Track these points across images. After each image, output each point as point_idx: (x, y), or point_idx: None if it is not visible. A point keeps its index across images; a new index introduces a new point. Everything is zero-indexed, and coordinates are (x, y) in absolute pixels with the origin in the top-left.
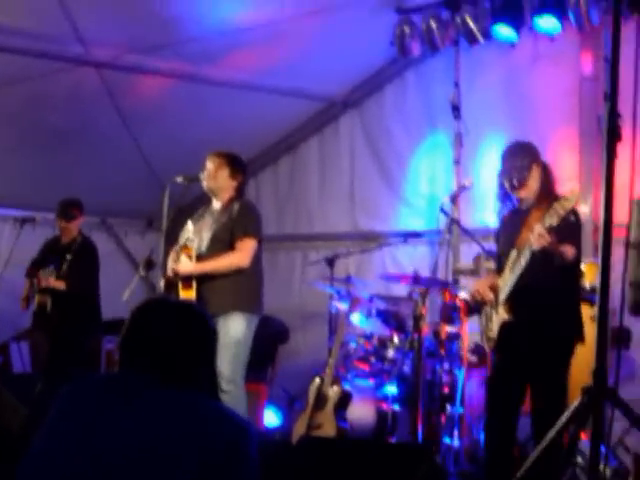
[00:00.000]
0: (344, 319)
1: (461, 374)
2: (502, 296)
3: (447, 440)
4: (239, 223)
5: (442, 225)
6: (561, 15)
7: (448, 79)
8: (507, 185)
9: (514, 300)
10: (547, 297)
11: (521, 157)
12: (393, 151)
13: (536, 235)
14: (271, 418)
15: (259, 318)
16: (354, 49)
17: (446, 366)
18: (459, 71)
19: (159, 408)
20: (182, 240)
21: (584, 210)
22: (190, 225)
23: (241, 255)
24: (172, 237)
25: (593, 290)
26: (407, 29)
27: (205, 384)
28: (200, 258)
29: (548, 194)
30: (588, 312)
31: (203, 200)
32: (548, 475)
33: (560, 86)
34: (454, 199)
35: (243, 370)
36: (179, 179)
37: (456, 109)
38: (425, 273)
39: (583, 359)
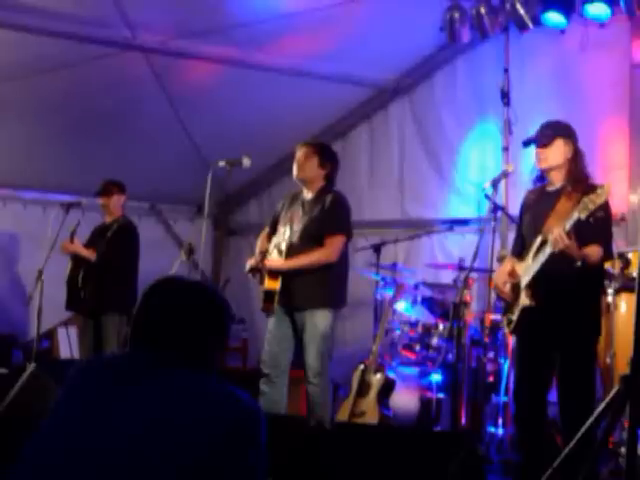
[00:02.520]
0: (389, 306)
1: (506, 363)
2: (524, 282)
3: (491, 429)
4: (330, 218)
5: (487, 212)
6: (611, 1)
7: (498, 66)
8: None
9: (536, 287)
10: (568, 286)
11: (547, 129)
12: (443, 138)
13: (554, 238)
14: None
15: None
16: (404, 35)
17: (491, 355)
18: (509, 58)
19: (167, 388)
20: (283, 236)
21: (633, 200)
22: (295, 224)
23: (329, 251)
24: (222, 222)
25: None
26: (457, 15)
27: (214, 365)
28: (290, 249)
29: (578, 180)
30: (634, 301)
31: (253, 186)
32: (585, 465)
33: (610, 73)
34: (495, 185)
35: (328, 362)
36: (221, 163)
37: (505, 96)
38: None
39: (628, 348)
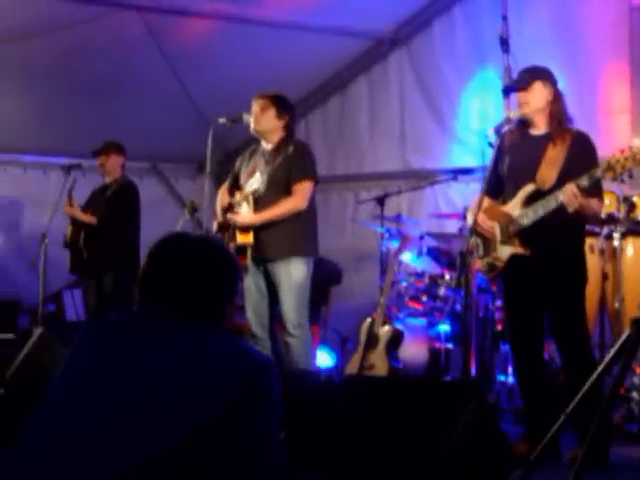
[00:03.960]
0: (395, 258)
1: None
2: (515, 228)
3: (501, 377)
4: (295, 165)
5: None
6: None
7: (496, 13)
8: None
9: (527, 235)
10: (559, 234)
11: (524, 73)
12: (443, 88)
13: (569, 195)
14: (324, 359)
15: (315, 259)
16: None
17: (498, 303)
18: (507, 4)
19: (177, 344)
20: (249, 187)
21: (636, 143)
22: (258, 174)
23: (299, 198)
24: (221, 179)
25: None
26: None
27: (224, 320)
28: (258, 201)
29: (562, 125)
30: None
31: (250, 143)
32: (597, 409)
33: (609, 17)
34: (499, 131)
35: (307, 312)
36: (222, 120)
37: (505, 43)
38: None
39: (637, 292)
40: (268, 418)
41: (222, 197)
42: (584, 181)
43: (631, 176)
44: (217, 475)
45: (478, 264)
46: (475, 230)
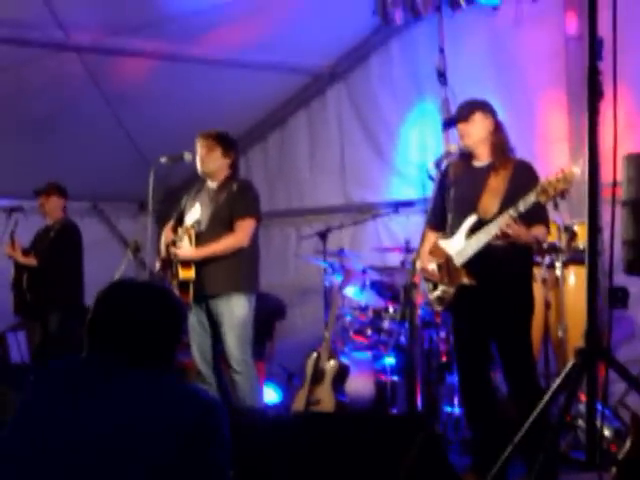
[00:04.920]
0: (338, 292)
1: None
2: (460, 261)
3: (447, 408)
4: (238, 203)
5: (431, 192)
6: None
7: (433, 46)
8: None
9: (474, 264)
10: (506, 263)
11: (464, 105)
12: (382, 121)
13: (502, 225)
14: (270, 395)
15: (257, 295)
16: (337, 20)
17: (442, 334)
18: (443, 37)
19: (127, 390)
20: (189, 221)
21: (576, 171)
22: (198, 207)
23: (240, 235)
24: (163, 218)
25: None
26: None
27: (171, 363)
28: (199, 237)
29: (504, 155)
30: (582, 273)
31: (192, 181)
32: (544, 439)
33: (545, 47)
34: (439, 165)
35: (250, 349)
36: (163, 159)
37: (442, 75)
38: (418, 242)
39: (579, 320)
40: (219, 456)
41: (166, 235)
42: (520, 207)
43: (563, 197)
44: None
45: (429, 296)
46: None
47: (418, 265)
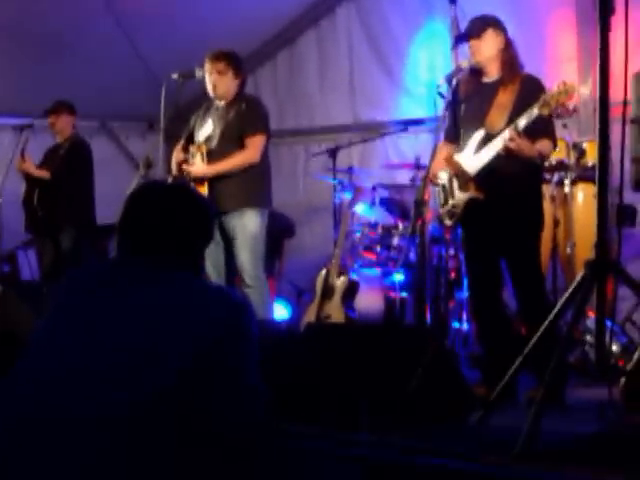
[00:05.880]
0: (348, 209)
1: None
2: (469, 173)
3: (456, 324)
4: (248, 120)
5: (441, 110)
6: None
7: None
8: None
9: (483, 179)
10: (515, 179)
11: (476, 21)
12: (391, 40)
13: (507, 139)
14: (280, 311)
15: (269, 211)
16: None
17: (452, 251)
18: None
19: (159, 290)
20: (200, 138)
21: (584, 91)
22: (210, 123)
23: (252, 152)
24: (172, 136)
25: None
26: None
27: (200, 267)
28: (210, 154)
29: (514, 70)
30: (591, 190)
31: (203, 98)
32: (553, 353)
33: None
34: (450, 81)
35: (263, 264)
36: (174, 76)
37: None
38: (427, 160)
39: (587, 237)
40: (250, 356)
41: (177, 154)
42: (523, 120)
43: (568, 112)
44: (204, 412)
45: (439, 211)
46: (431, 180)
47: (431, 172)
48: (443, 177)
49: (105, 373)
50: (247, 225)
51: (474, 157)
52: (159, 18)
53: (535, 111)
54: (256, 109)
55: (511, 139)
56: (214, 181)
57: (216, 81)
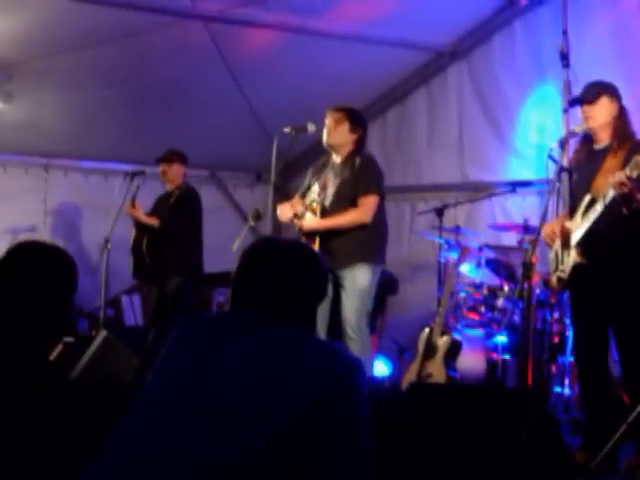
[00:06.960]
0: (453, 269)
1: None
2: (575, 239)
3: (557, 389)
4: (361, 179)
5: (551, 173)
6: None
7: (556, 28)
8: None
9: (587, 244)
10: (619, 243)
11: (592, 87)
12: (501, 101)
13: (617, 182)
14: (381, 368)
15: (381, 269)
16: None
17: (556, 315)
18: (567, 19)
19: (272, 342)
20: (308, 200)
21: None
22: (316, 186)
23: (363, 212)
24: (281, 189)
25: None
26: None
27: (313, 321)
28: (324, 213)
29: (624, 137)
30: None
31: (311, 153)
32: None
33: None
34: (563, 145)
35: (368, 318)
36: (287, 129)
37: (565, 57)
38: (535, 223)
39: None
40: (360, 416)
41: (285, 207)
42: (633, 170)
43: None
44: (311, 470)
45: (550, 277)
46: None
47: (542, 233)
48: (557, 243)
49: (216, 427)
50: (358, 278)
51: (580, 223)
52: (272, 73)
53: (629, 170)
54: (371, 168)
55: (622, 183)
56: (325, 238)
57: (331, 129)
